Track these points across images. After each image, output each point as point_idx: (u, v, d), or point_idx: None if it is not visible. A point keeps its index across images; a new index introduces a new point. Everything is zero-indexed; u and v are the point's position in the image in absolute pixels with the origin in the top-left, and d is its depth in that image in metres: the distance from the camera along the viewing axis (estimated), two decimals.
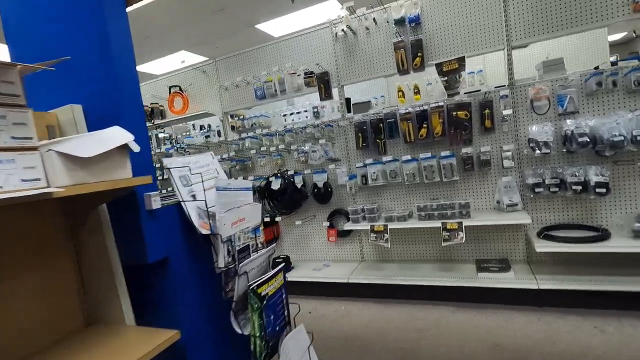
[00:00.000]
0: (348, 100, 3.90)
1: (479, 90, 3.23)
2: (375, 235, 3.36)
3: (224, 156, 4.21)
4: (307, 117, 4.08)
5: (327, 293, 3.73)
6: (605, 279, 2.70)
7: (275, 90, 4.11)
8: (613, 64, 2.87)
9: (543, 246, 2.77)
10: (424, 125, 3.28)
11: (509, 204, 3.11)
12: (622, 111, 2.75)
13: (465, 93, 3.23)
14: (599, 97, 2.89)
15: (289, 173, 3.87)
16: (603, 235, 2.69)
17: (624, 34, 8.51)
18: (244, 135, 4.18)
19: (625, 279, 2.65)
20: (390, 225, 3.32)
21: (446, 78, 3.32)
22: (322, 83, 3.73)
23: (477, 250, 3.47)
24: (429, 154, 3.23)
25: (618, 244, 2.58)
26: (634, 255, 2.75)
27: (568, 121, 2.83)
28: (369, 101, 3.78)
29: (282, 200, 3.93)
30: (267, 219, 3.99)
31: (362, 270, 3.69)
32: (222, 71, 4.51)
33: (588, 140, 2.70)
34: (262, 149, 4.09)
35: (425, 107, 3.29)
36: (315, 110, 5.85)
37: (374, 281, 3.44)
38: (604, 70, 2.77)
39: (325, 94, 3.74)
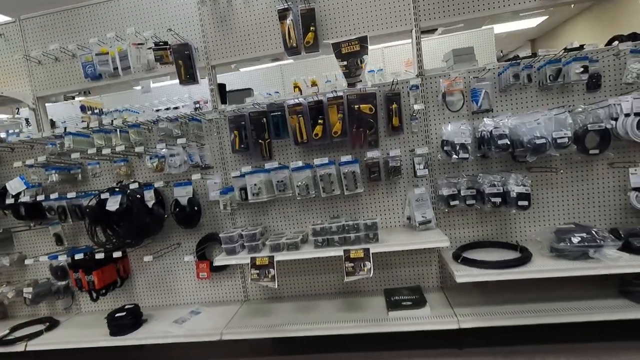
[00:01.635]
0: (222, 87, 2.89)
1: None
2: (257, 271, 2.42)
3: (28, 162, 2.74)
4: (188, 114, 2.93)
5: (193, 357, 2.64)
6: (532, 308, 2.26)
7: (116, 68, 2.85)
8: (516, 57, 2.50)
9: (463, 275, 2.20)
10: (320, 122, 2.47)
11: (421, 221, 2.51)
12: (540, 109, 2.37)
13: (371, 85, 2.53)
14: (513, 93, 2.49)
15: (134, 186, 2.65)
16: (524, 257, 2.24)
17: (542, 19, 9.09)
18: (58, 131, 2.79)
19: (552, 307, 2.24)
20: (278, 257, 2.41)
21: (345, 63, 2.59)
22: (181, 59, 2.64)
23: (386, 278, 2.81)
24: (326, 159, 2.44)
25: (541, 268, 2.14)
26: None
27: (486, 120, 2.34)
28: (249, 89, 2.83)
29: (125, 225, 2.69)
30: (101, 255, 2.70)
31: (244, 317, 2.70)
32: (32, 36, 3.03)
33: (509, 143, 2.23)
34: (91, 151, 2.77)
35: (321, 98, 2.49)
36: (198, 105, 4.67)
37: (258, 334, 2.48)
38: (521, 61, 2.36)
39: (187, 76, 2.66)
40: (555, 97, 2.46)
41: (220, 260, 2.51)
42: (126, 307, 2.80)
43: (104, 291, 2.87)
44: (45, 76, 3.05)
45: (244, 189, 2.62)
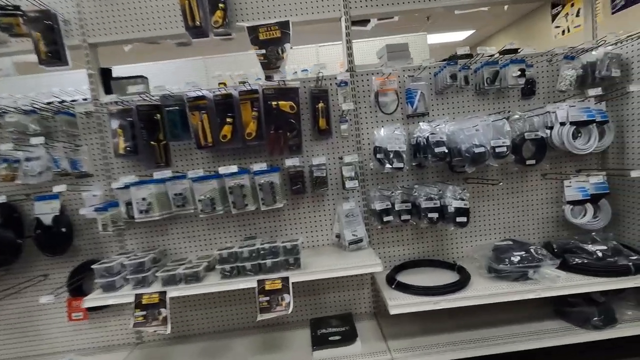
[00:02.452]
0: (106, 72, 2.26)
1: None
2: (143, 312, 1.84)
3: None
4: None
5: None
6: (472, 336, 2.01)
7: None
8: (457, 57, 2.28)
9: (398, 306, 1.87)
10: (229, 121, 1.99)
11: (352, 240, 2.15)
12: (476, 115, 2.16)
13: (293, 77, 2.11)
14: (450, 96, 2.26)
15: None
16: (463, 279, 1.99)
17: (470, 32, 9.49)
18: None
19: (493, 334, 2.02)
20: (173, 292, 1.87)
21: (264, 51, 2.15)
22: (39, 31, 1.97)
23: (313, 306, 2.40)
24: (235, 168, 1.96)
25: (481, 293, 1.90)
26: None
27: (422, 125, 2.05)
28: (141, 77, 2.24)
29: None
30: None
31: None
32: None
33: (446, 151, 1.96)
34: None
35: (231, 91, 2.01)
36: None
37: None
38: (458, 61, 2.12)
39: (48, 54, 2.00)
40: (491, 102, 2.28)
41: (92, 300, 1.89)
42: None
43: None
44: None
45: (131, 205, 2.02)
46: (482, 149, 1.92)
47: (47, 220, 2.11)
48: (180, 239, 2.28)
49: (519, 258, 1.95)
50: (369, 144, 2.26)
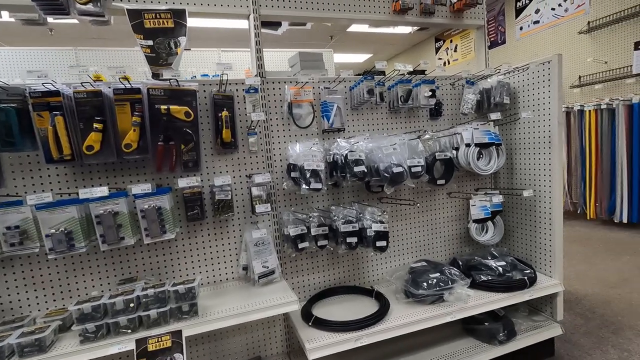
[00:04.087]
0: None
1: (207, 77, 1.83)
2: None
3: None
4: None
5: None
6: None
7: None
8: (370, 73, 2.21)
9: (317, 348, 1.62)
10: (97, 127, 1.48)
11: (262, 273, 1.83)
12: (392, 133, 2.10)
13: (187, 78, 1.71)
14: (365, 112, 2.16)
15: None
16: (382, 309, 1.86)
17: (368, 56, 9.91)
18: None
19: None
20: None
21: (151, 42, 1.72)
22: None
23: (214, 353, 1.98)
24: (106, 190, 1.46)
25: (402, 322, 1.78)
26: None
27: (341, 141, 1.88)
28: None
29: None
30: None
31: None
32: None
33: (365, 170, 1.82)
34: None
35: (101, 89, 1.51)
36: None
37: None
38: (374, 75, 2.02)
39: None
40: (403, 120, 2.26)
41: None
42: None
43: None
44: None
45: None
46: (400, 169, 1.83)
47: None
48: (18, 288, 1.62)
49: (435, 280, 1.91)
50: (281, 160, 2.00)
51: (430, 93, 2.08)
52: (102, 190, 1.42)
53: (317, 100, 2.02)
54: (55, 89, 1.43)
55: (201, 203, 1.72)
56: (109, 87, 1.53)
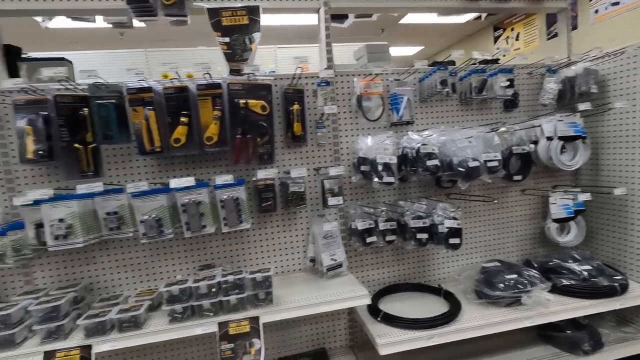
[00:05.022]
0: (12, 51, 1.71)
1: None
2: None
3: None
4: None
5: None
6: None
7: None
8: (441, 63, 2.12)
9: (388, 344, 1.60)
10: (184, 120, 1.58)
11: (330, 266, 1.84)
12: (463, 125, 2.00)
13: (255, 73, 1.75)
14: (434, 104, 2.08)
15: None
16: (454, 308, 1.79)
17: (419, 48, 9.67)
18: None
19: None
20: (101, 346, 1.40)
21: (227, 39, 1.78)
22: None
23: (281, 342, 2.04)
24: (192, 181, 1.55)
25: (475, 322, 1.71)
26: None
27: (412, 135, 1.83)
28: (65, 60, 1.73)
29: None
30: None
31: None
32: None
33: (439, 164, 1.75)
34: None
35: (187, 84, 1.60)
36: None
37: None
38: (450, 65, 1.94)
39: None
40: (475, 113, 2.15)
41: None
42: None
43: None
44: None
45: (41, 227, 1.50)
46: (476, 163, 1.74)
47: None
48: (113, 269, 1.78)
49: (512, 282, 1.80)
50: (348, 154, 1.99)
51: (508, 83, 1.95)
52: (190, 181, 1.51)
53: (386, 92, 1.98)
54: (148, 85, 1.53)
55: (274, 194, 1.76)
56: (193, 83, 1.61)
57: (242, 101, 1.63)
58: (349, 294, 1.66)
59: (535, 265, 2.08)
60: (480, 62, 2.05)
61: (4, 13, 1.63)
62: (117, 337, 1.42)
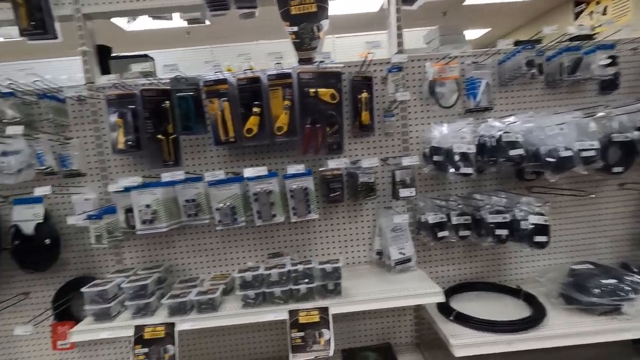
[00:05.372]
0: (103, 51, 1.87)
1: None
2: (145, 350, 1.46)
3: None
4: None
5: None
6: None
7: None
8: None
9: (463, 345, 1.50)
10: (256, 111, 1.60)
11: (399, 260, 1.78)
12: (551, 111, 1.79)
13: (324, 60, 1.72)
14: (514, 89, 1.89)
15: None
16: (538, 313, 1.63)
17: (485, 31, 9.11)
18: None
19: None
20: (182, 325, 1.49)
21: (296, 29, 1.77)
22: None
23: (346, 334, 2.03)
24: (265, 170, 1.57)
25: (564, 330, 1.54)
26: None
27: (492, 121, 1.68)
28: (148, 57, 1.85)
29: None
30: None
31: None
32: None
33: (524, 154, 1.59)
34: None
35: (259, 75, 1.62)
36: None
37: None
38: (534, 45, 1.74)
39: (31, 22, 1.60)
40: (564, 96, 1.91)
41: (81, 332, 1.50)
42: None
43: None
44: None
45: (130, 212, 1.64)
46: (569, 153, 1.55)
47: (28, 228, 1.72)
48: (189, 253, 1.89)
49: (610, 288, 1.59)
50: (417, 143, 1.89)
51: (609, 61, 1.70)
52: (263, 170, 1.54)
53: (461, 77, 1.84)
54: (224, 77, 1.58)
55: (342, 186, 1.73)
56: (264, 73, 1.63)
57: (312, 90, 1.61)
58: (421, 290, 1.58)
59: (636, 270, 1.82)
60: (570, 39, 1.82)
61: (97, 15, 1.79)
62: (197, 317, 1.51)
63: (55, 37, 1.65)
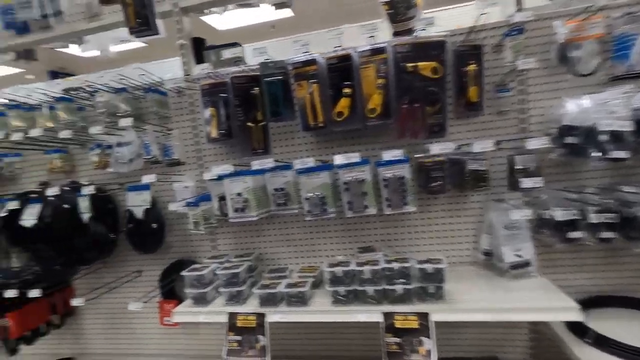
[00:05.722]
0: (198, 43, 1.92)
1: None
2: (238, 337, 1.47)
3: None
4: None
5: None
6: None
7: (45, 15, 1.93)
8: None
9: None
10: (346, 92, 1.46)
11: (515, 264, 1.48)
12: None
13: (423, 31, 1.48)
14: None
15: (54, 191, 1.75)
16: None
17: None
18: None
19: None
20: (272, 316, 1.46)
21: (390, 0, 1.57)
22: None
23: (444, 341, 1.79)
24: (357, 157, 1.43)
25: None
26: None
27: None
28: (237, 44, 1.85)
29: (50, 246, 1.81)
30: (14, 293, 1.82)
31: None
32: None
33: None
34: (16, 136, 1.87)
35: (349, 52, 1.47)
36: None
37: None
38: None
39: (137, 20, 1.70)
40: None
41: (181, 313, 1.58)
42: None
43: (26, 340, 2.00)
44: None
45: (223, 199, 1.66)
46: None
47: (139, 213, 1.87)
48: (278, 242, 1.87)
49: None
50: (541, 122, 1.55)
51: None
52: (355, 156, 1.40)
53: (610, 33, 1.43)
54: (312, 57, 1.47)
55: (443, 174, 1.50)
56: (355, 51, 1.47)
57: (410, 65, 1.41)
58: (548, 302, 1.29)
59: None
60: None
61: (193, 8, 1.84)
62: (286, 310, 1.46)
63: (157, 33, 1.73)
